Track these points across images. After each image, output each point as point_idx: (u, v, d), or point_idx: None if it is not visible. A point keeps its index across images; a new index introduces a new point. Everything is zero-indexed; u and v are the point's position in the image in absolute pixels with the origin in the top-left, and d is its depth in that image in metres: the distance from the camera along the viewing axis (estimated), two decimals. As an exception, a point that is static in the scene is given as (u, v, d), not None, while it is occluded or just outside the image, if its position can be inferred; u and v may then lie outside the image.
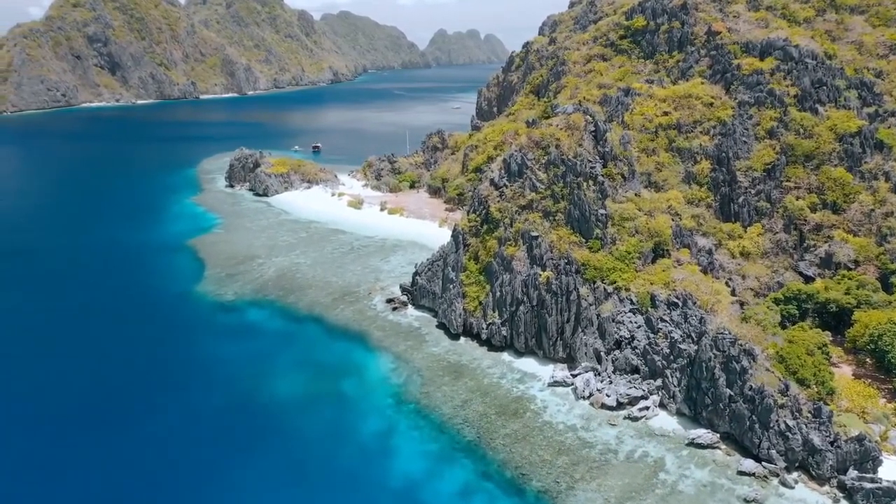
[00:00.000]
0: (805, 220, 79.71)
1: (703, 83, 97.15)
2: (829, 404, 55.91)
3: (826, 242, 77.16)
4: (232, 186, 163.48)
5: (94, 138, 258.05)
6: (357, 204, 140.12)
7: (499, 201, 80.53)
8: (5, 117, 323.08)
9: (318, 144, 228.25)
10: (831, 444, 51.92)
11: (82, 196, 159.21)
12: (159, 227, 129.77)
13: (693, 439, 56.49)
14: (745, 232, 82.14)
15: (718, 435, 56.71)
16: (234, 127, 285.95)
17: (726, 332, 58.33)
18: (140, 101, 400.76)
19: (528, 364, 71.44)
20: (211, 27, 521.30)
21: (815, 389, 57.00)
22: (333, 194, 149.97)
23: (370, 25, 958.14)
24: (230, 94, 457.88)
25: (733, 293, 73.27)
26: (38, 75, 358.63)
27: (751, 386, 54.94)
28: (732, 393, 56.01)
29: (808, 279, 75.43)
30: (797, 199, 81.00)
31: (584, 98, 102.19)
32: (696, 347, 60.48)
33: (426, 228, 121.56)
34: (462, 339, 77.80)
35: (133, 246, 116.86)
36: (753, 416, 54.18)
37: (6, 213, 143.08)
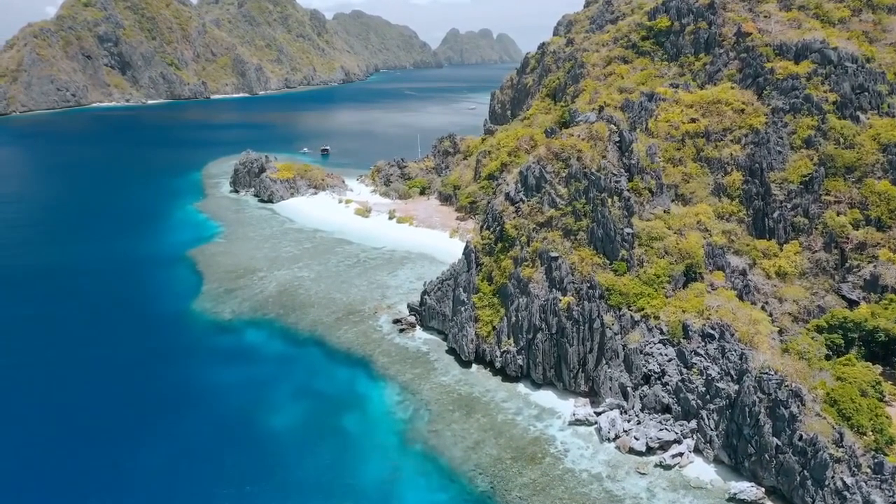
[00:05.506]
0: (847, 238, 73.49)
1: (732, 88, 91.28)
2: (888, 455, 49.60)
3: (871, 263, 70.88)
4: (236, 192, 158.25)
5: (100, 139, 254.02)
6: (364, 212, 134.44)
7: (515, 218, 74.32)
8: (14, 118, 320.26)
9: (327, 147, 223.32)
10: (895, 505, 45.61)
11: (82, 202, 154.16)
12: (158, 236, 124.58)
13: (735, 494, 50.21)
14: (782, 250, 76.09)
15: (763, 490, 50.38)
16: (242, 128, 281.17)
17: (771, 372, 52.00)
18: (150, 102, 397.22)
19: (547, 398, 65.30)
20: (222, 27, 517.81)
21: (873, 437, 50.68)
22: (340, 201, 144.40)
23: (382, 25, 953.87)
24: (241, 94, 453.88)
25: (771, 319, 67.02)
26: (47, 75, 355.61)
27: (801, 435, 48.68)
28: (780, 443, 49.71)
29: (852, 303, 69.12)
30: (838, 214, 74.95)
31: (605, 103, 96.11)
32: (735, 387, 54.14)
33: (436, 239, 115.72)
34: (474, 366, 71.82)
35: (129, 257, 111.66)
36: (805, 472, 47.86)
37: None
